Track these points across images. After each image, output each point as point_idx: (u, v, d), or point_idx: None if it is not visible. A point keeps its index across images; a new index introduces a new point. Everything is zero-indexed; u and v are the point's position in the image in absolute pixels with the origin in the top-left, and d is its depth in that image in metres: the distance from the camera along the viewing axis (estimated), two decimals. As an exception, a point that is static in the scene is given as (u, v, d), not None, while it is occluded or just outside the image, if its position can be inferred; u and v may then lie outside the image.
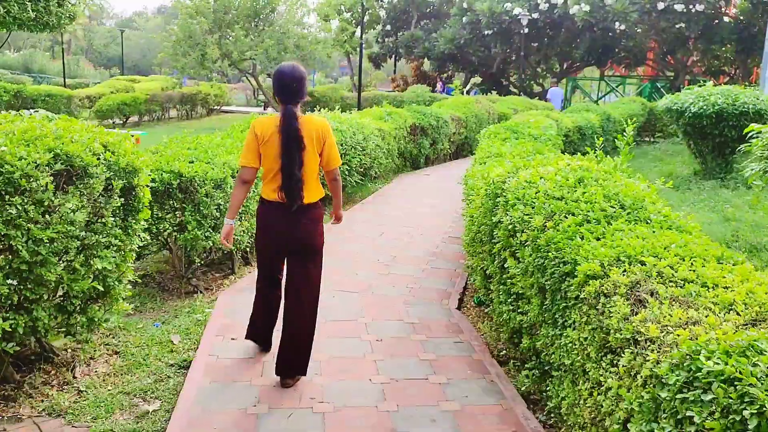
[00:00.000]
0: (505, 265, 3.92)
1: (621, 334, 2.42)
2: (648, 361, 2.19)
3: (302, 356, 3.83)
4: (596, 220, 3.30)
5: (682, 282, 2.56)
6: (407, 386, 3.91)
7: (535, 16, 25.72)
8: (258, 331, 4.22)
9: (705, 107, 10.73)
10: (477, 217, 4.68)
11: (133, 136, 13.75)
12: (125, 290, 4.02)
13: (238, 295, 5.42)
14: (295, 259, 3.84)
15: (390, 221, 8.45)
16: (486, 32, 27.77)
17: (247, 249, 6.23)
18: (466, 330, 4.86)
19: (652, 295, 2.52)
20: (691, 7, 22.07)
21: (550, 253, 3.21)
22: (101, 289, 3.71)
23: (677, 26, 22.74)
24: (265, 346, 4.28)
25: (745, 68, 24.87)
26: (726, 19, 23.08)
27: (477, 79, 32.81)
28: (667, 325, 2.26)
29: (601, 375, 2.58)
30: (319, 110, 9.88)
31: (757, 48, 22.91)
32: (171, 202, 5.23)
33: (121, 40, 42.75)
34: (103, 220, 3.69)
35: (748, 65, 25.13)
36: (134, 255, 4.09)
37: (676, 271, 2.64)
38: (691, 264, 2.70)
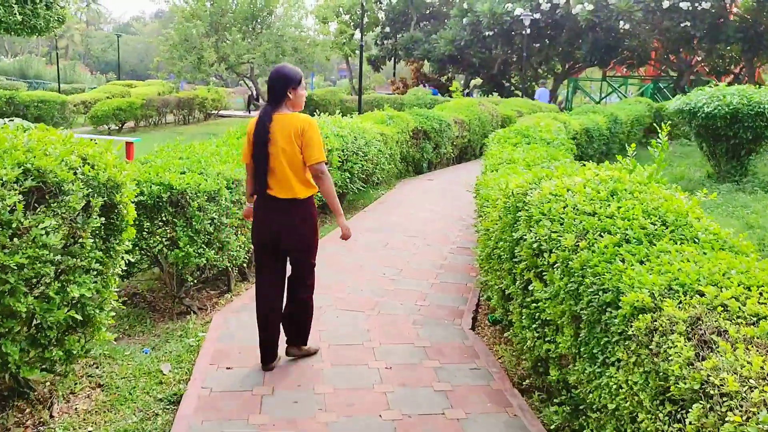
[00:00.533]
0: (530, 287, 3.53)
1: (686, 384, 2.03)
2: (728, 422, 1.80)
3: (300, 332, 4.22)
4: (637, 239, 2.91)
5: (754, 318, 2.17)
6: (422, 423, 3.51)
7: (537, 16, 25.35)
8: (261, 341, 4.13)
9: (719, 108, 10.36)
10: (494, 231, 4.29)
11: (126, 142, 13.39)
12: (108, 318, 3.62)
13: (233, 316, 5.03)
14: (288, 255, 4.03)
15: (394, 230, 8.06)
16: (487, 33, 27.41)
17: (245, 264, 5.83)
18: (482, 354, 4.47)
19: (719, 334, 2.13)
20: (696, 5, 21.70)
21: (586, 279, 2.82)
22: (80, 318, 3.32)
23: (682, 25, 22.36)
24: (265, 364, 4.13)
25: (750, 67, 24.49)
26: (731, 17, 22.71)
27: (478, 81, 32.44)
28: (747, 378, 1.87)
29: (659, 429, 2.19)
30: (319, 114, 9.49)
31: (763, 47, 22.56)
32: (161, 216, 4.85)
33: (118, 44, 42.38)
34: (82, 242, 3.30)
35: (754, 64, 24.75)
36: (117, 279, 3.70)
37: (743, 305, 2.25)
38: (760, 295, 2.31)
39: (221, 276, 5.83)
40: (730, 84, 26.34)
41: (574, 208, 3.31)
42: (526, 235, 3.57)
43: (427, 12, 33.83)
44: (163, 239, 4.97)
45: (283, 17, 23.58)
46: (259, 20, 23.24)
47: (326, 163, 3.88)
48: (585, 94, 34.07)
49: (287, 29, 23.22)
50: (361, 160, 9.46)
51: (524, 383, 4.01)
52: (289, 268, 4.09)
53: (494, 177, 5.43)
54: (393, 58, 35.16)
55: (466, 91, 29.99)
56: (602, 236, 2.98)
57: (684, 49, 25.11)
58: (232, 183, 5.29)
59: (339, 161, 8.59)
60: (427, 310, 5.32)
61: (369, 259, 6.75)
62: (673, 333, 2.23)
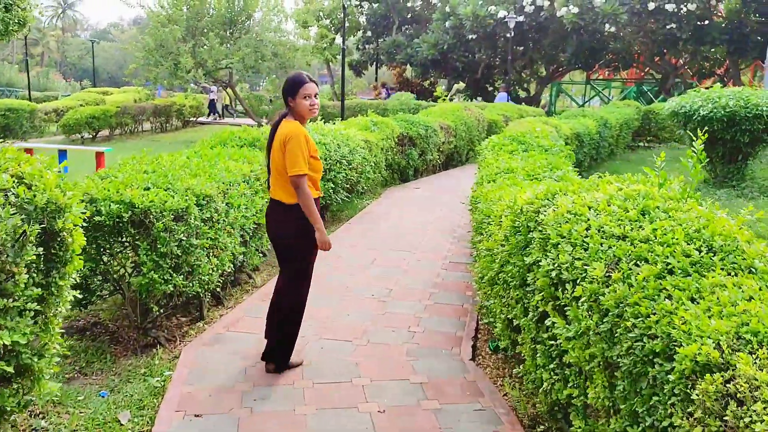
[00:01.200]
0: (546, 322, 3.03)
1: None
2: None
3: (278, 350, 4.16)
4: (682, 270, 2.42)
5: None
6: (423, 484, 3.00)
7: (521, 19, 24.99)
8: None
9: (715, 110, 9.99)
10: (499, 253, 3.78)
11: (96, 152, 12.75)
12: (50, 365, 3.06)
13: (205, 350, 4.47)
14: (278, 256, 4.16)
15: (382, 244, 7.55)
16: (470, 37, 27.01)
17: (218, 288, 5.28)
18: (486, 391, 3.95)
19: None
20: (682, 6, 21.47)
21: (624, 320, 2.33)
22: (11, 370, 2.76)
23: (668, 27, 22.11)
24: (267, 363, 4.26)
25: (736, 70, 24.32)
26: (716, 19, 22.52)
27: (461, 85, 32.06)
28: None
29: None
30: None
31: (748, 49, 22.37)
32: (122, 238, 4.30)
33: (92, 51, 41.48)
34: (15, 279, 2.74)
35: (739, 67, 24.60)
36: (60, 321, 3.14)
37: (843, 363, 1.76)
38: None
39: (193, 300, 5.27)
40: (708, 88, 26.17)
41: (599, 231, 2.82)
42: (541, 261, 3.06)
43: (409, 16, 33.38)
44: (125, 264, 4.42)
45: (262, 21, 22.96)
46: (237, 25, 22.60)
47: (301, 176, 3.77)
48: (569, 97, 33.82)
49: (266, 34, 22.60)
50: (345, 169, 8.94)
51: (538, 429, 3.50)
52: None
53: (493, 189, 4.93)
54: (375, 63, 34.67)
55: (450, 94, 29.53)
56: (638, 266, 2.49)
57: (669, 52, 24.89)
58: (203, 199, 4.74)
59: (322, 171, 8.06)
60: (422, 337, 4.80)
61: (356, 278, 6.22)
62: (756, 401, 1.73)
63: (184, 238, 4.46)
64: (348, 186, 9.39)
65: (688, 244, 2.55)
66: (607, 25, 23.05)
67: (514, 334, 3.81)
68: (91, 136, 21.53)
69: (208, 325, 5.02)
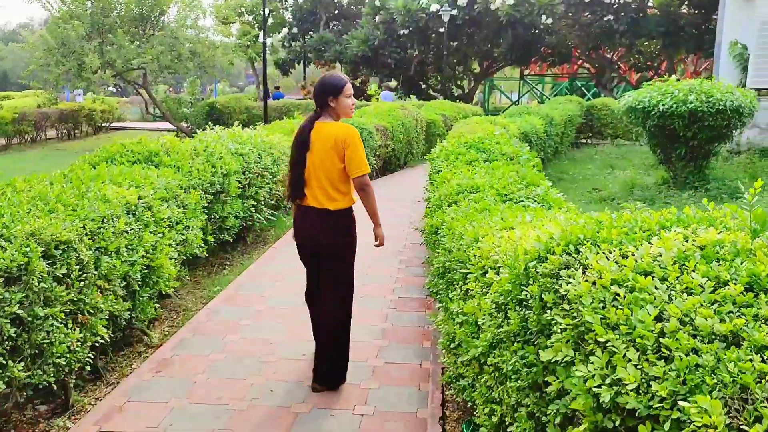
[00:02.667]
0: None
1: None
2: None
3: (330, 367, 3.87)
4: None
5: None
6: None
7: (454, 12, 24.01)
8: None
9: (675, 106, 9.14)
10: (488, 329, 2.54)
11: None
12: None
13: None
14: (320, 266, 3.86)
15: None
16: (401, 32, 25.88)
17: (87, 365, 3.85)
18: None
19: None
20: (617, -2, 21.06)
21: None
22: None
23: (605, 19, 21.60)
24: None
25: (671, 63, 24.10)
26: (650, 12, 22.16)
27: (393, 83, 30.94)
28: None
29: None
30: (211, 127, 7.55)
31: (683, 41, 22.12)
32: None
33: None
34: None
35: (674, 59, 24.41)
36: None
37: None
38: None
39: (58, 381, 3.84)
40: (648, 80, 26.03)
41: (685, 324, 1.63)
42: (575, 366, 1.85)
43: (337, 11, 32.00)
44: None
45: (178, 18, 21.16)
46: (149, 21, 20.73)
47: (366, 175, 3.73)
48: (502, 94, 33.33)
49: (183, 31, 20.82)
50: (268, 183, 7.60)
51: None
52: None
53: (459, 218, 3.72)
54: (303, 61, 33.10)
55: (381, 94, 28.22)
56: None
57: (606, 45, 24.46)
58: (56, 248, 3.33)
59: (239, 187, 6.72)
60: (372, 423, 3.54)
61: (281, 327, 4.91)
62: None
63: (23, 311, 3.05)
64: (273, 202, 8.05)
65: None
66: (543, 17, 22.36)
67: (503, 423, 2.58)
68: (-17, 146, 19.29)
69: (74, 419, 3.61)
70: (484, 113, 19.99)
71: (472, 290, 2.78)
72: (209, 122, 8.61)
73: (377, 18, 26.64)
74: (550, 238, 2.30)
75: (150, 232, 4.47)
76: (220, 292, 5.79)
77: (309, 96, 29.11)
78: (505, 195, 4.15)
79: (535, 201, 4.01)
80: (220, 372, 4.13)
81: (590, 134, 17.94)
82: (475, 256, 2.93)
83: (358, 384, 3.98)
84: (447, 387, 3.85)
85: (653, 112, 9.34)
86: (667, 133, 9.54)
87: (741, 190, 7.12)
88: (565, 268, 2.11)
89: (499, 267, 2.55)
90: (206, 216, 5.93)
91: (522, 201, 4.02)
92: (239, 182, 6.79)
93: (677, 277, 1.79)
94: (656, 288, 1.79)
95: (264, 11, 14.95)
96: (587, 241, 2.21)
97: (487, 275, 2.65)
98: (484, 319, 2.54)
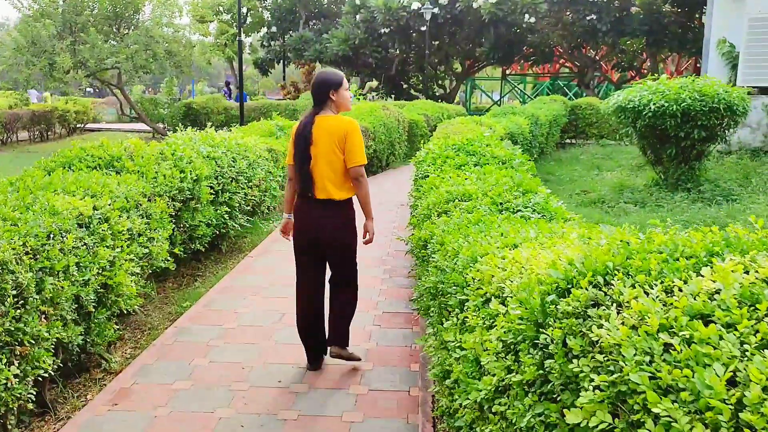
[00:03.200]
0: None
1: None
2: None
3: (342, 329, 4.08)
4: None
5: None
6: None
7: (436, 10, 23.61)
8: (303, 341, 4.17)
9: (667, 105, 8.82)
10: (495, 368, 2.12)
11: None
12: None
13: None
14: (328, 256, 4.01)
15: (292, 285, 5.78)
16: (382, 31, 25.44)
17: (30, 401, 3.39)
18: None
19: None
20: (602, -4, 20.76)
21: None
22: None
23: (588, 18, 21.32)
24: (313, 364, 4.17)
25: (654, 62, 23.91)
26: (633, 10, 21.92)
27: (374, 83, 30.51)
28: None
29: None
30: (197, 127, 7.09)
31: (667, 40, 21.93)
32: None
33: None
34: None
35: (657, 59, 24.22)
36: None
37: None
38: None
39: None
40: (627, 81, 25.82)
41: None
42: (614, 436, 1.44)
43: (316, 10, 31.47)
44: None
45: (153, 16, 20.57)
46: (123, 19, 20.13)
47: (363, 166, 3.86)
48: (484, 94, 33.08)
49: (158, 29, 20.24)
50: (243, 188, 7.15)
51: None
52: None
53: (451, 229, 3.31)
54: (282, 61, 32.53)
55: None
56: None
57: (589, 44, 24.21)
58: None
59: (211, 193, 6.26)
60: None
61: (254, 349, 4.47)
62: None
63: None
64: (249, 208, 7.59)
65: None
66: (526, 16, 22.03)
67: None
68: (-49, 149, 18.55)
69: (14, 466, 3.15)
70: (467, 113, 19.64)
71: (472, 322, 2.37)
72: (185, 123, 8.15)
73: (358, 17, 26.18)
74: (570, 265, 1.90)
75: (107, 246, 4.01)
76: (189, 308, 5.34)
77: (289, 96, 28.61)
78: (501, 204, 3.75)
79: (534, 211, 3.62)
80: (185, 404, 3.68)
81: (575, 134, 17.64)
82: (474, 279, 2.52)
83: (339, 416, 3.56)
84: (439, 420, 3.44)
85: (644, 112, 9.01)
86: (658, 134, 9.23)
87: (736, 192, 6.78)
88: (593, 306, 1.71)
89: (506, 297, 2.14)
90: (174, 225, 5.47)
91: (520, 211, 3.63)
92: (211, 188, 6.34)
93: (751, 326, 1.39)
94: (721, 338, 1.39)
95: (239, 9, 14.43)
96: (618, 270, 1.81)
97: (490, 305, 2.24)
98: (488, 358, 2.13)
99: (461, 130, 8.33)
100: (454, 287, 2.69)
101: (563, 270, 1.88)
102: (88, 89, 29.14)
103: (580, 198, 9.72)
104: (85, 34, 18.63)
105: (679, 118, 8.80)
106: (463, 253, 2.77)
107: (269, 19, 31.91)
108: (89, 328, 3.91)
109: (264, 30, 32.47)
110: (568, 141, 17.69)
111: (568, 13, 22.55)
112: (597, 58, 26.03)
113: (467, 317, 2.47)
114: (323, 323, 4.15)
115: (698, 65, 25.14)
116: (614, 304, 1.68)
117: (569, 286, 1.83)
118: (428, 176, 4.84)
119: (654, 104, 8.90)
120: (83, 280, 3.68)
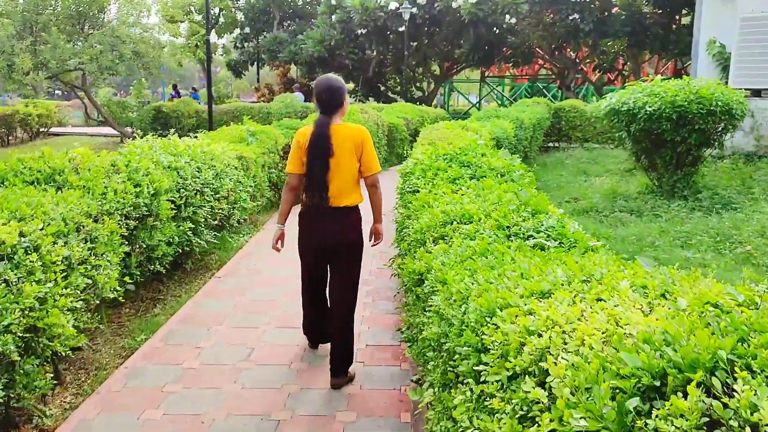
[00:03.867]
0: None
1: None
2: None
3: (343, 356, 3.95)
4: None
5: None
6: None
7: (414, 11, 23.01)
8: (308, 330, 4.38)
9: (663, 107, 8.33)
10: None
11: None
12: None
13: None
14: (332, 261, 3.97)
15: (264, 315, 5.17)
16: (359, 31, 24.77)
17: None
18: None
19: None
20: (583, -4, 20.33)
21: None
22: None
23: (570, 18, 20.88)
24: (313, 344, 4.42)
25: (635, 63, 23.57)
26: (615, 11, 21.55)
27: (350, 86, 29.84)
28: None
29: None
30: (168, 131, 6.40)
31: (648, 42, 21.60)
32: None
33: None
34: None
35: (639, 60, 23.89)
36: None
37: None
38: None
39: None
40: (607, 83, 25.51)
41: None
42: None
43: (291, 11, 30.69)
44: None
45: (120, 15, 19.71)
46: (88, 19, 19.24)
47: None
48: (462, 96, 32.62)
49: (124, 29, 19.38)
50: (209, 201, 6.48)
51: None
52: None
53: (453, 262, 2.71)
54: (256, 62, 31.71)
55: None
56: None
57: (570, 45, 23.80)
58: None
59: (172, 208, 5.59)
60: None
61: (216, 396, 3.81)
62: None
63: None
64: (216, 222, 6.92)
65: None
66: (507, 16, 21.53)
67: None
68: None
69: None
70: (448, 116, 19.08)
71: (495, 404, 1.76)
72: (155, 127, 7.47)
73: (333, 17, 25.49)
74: (653, 349, 1.29)
75: (35, 281, 3.34)
76: (144, 343, 4.66)
77: (264, 98, 27.82)
78: (508, 227, 3.15)
79: (549, 236, 3.02)
80: (129, 475, 3.03)
81: (558, 138, 17.17)
82: (494, 342, 1.91)
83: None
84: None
85: (639, 115, 8.51)
86: (653, 138, 8.73)
87: (736, 200, 6.22)
88: (710, 427, 1.10)
89: (551, 382, 1.53)
90: (128, 247, 4.80)
91: (532, 236, 3.04)
92: (173, 202, 5.67)
93: None
94: None
95: (207, 8, 13.75)
96: (734, 361, 1.21)
97: (524, 386, 1.63)
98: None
99: (447, 135, 7.75)
100: (466, 348, 2.08)
101: (645, 359, 1.27)
102: (56, 91, 28.08)
103: (571, 206, 9.18)
104: (46, 34, 17.74)
105: (674, 122, 8.31)
106: (475, 301, 2.16)
107: (242, 19, 31.06)
108: (13, 380, 3.24)
109: (237, 31, 31.62)
110: (551, 145, 17.22)
111: (549, 13, 22.10)
112: (577, 59, 25.65)
113: (486, 391, 1.86)
114: (326, 320, 4.20)
115: (678, 68, 24.95)
116: (743, 425, 1.07)
117: (660, 386, 1.22)
118: (418, 191, 4.23)
119: (649, 107, 8.40)
120: (2, 326, 3.00)
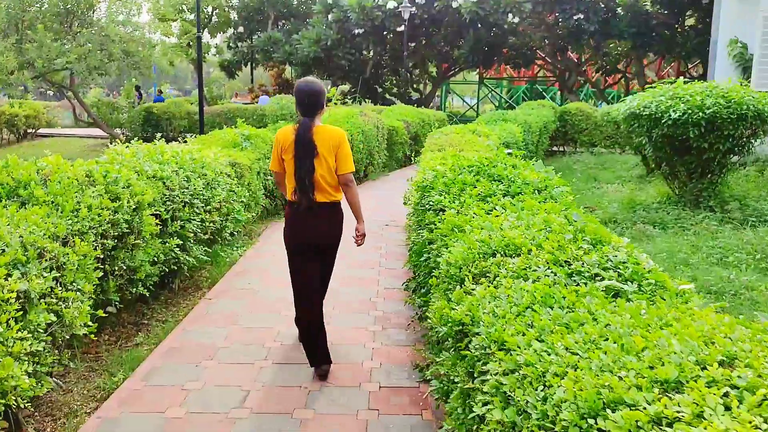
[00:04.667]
0: None
1: None
2: None
3: (325, 341, 4.12)
4: None
5: None
6: None
7: (413, 10, 22.36)
8: (306, 347, 4.16)
9: (691, 112, 7.74)
10: None
11: None
12: None
13: None
14: (323, 256, 4.15)
15: (260, 343, 4.54)
16: (356, 31, 24.11)
17: None
18: None
19: None
20: (588, -5, 19.74)
21: None
22: None
23: (575, 18, 20.27)
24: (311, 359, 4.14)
25: (639, 65, 22.99)
26: (619, 12, 20.94)
27: (346, 87, 29.20)
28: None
29: None
30: (159, 133, 5.76)
31: (653, 43, 21.06)
32: None
33: None
34: None
35: (644, 63, 23.32)
36: None
37: None
38: None
39: None
40: (610, 85, 24.92)
41: None
42: None
43: (286, 10, 29.98)
44: None
45: (109, 13, 19.03)
46: (76, 17, 18.55)
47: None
48: (460, 98, 32.05)
49: (114, 28, 18.69)
50: (199, 213, 5.86)
51: None
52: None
53: (505, 314, 2.11)
54: (250, 63, 31.00)
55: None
56: None
57: (573, 46, 23.19)
58: None
59: (158, 224, 4.97)
60: None
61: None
62: None
63: None
64: (207, 236, 6.29)
65: None
66: (509, 16, 20.92)
67: None
68: None
69: None
70: (447, 118, 18.51)
71: None
72: (146, 129, 6.84)
73: (330, 16, 24.82)
74: None
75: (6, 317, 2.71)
76: (122, 384, 4.02)
77: (256, 100, 27.13)
78: (567, 263, 2.54)
79: (621, 276, 2.41)
80: None
81: (563, 142, 16.57)
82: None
83: None
84: None
85: (663, 120, 7.92)
86: (677, 144, 8.14)
87: None
88: None
89: None
90: (103, 271, 4.17)
91: (599, 277, 2.42)
92: (157, 216, 5.05)
93: None
94: None
95: (198, 6, 13.14)
96: None
97: None
98: None
99: (457, 141, 7.14)
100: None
101: None
102: (48, 92, 27.34)
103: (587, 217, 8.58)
104: (32, 32, 17.05)
105: (703, 127, 7.73)
106: (568, 391, 1.54)
107: (236, 19, 30.36)
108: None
109: (231, 31, 30.90)
110: (556, 149, 16.63)
111: (553, 12, 21.50)
112: (580, 61, 25.07)
113: None
114: (323, 330, 4.11)
115: (681, 70, 24.43)
116: None
117: None
118: (443, 209, 3.61)
119: (674, 111, 7.81)
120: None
